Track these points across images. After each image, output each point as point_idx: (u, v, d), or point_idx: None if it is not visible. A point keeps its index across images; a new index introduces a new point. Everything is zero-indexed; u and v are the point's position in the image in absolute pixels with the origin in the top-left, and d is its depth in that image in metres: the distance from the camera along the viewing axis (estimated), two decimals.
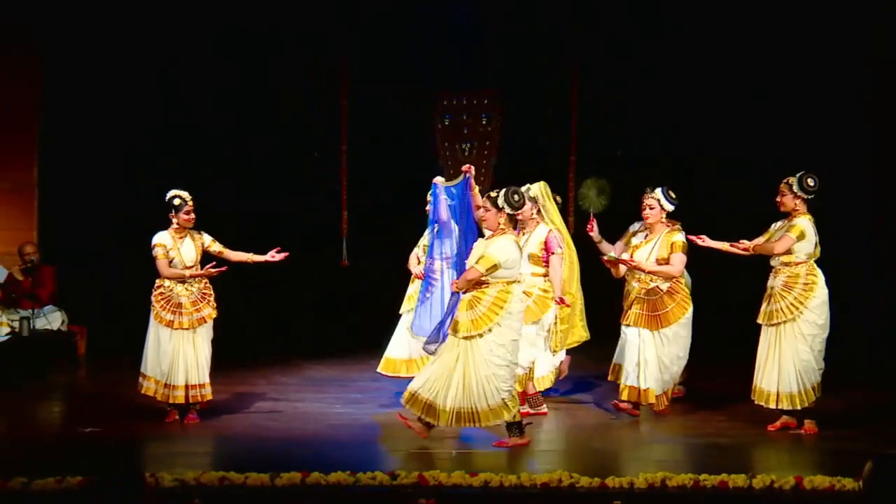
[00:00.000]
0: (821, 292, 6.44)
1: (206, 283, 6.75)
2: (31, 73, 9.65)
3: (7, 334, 8.51)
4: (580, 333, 7.21)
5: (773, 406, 6.45)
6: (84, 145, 9.62)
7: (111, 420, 6.72)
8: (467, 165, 6.43)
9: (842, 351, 8.59)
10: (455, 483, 5.13)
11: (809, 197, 6.51)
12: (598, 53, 9.80)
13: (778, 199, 6.54)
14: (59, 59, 9.60)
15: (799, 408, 6.40)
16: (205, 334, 6.70)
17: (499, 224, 5.99)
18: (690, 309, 6.74)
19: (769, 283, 6.54)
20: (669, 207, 6.76)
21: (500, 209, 5.97)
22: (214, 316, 6.72)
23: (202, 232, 6.80)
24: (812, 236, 6.46)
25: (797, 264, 6.44)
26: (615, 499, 5.00)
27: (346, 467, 5.25)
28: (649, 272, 6.73)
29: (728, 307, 8.13)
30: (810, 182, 6.47)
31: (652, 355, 6.71)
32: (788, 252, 6.43)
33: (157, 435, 6.54)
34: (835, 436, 6.36)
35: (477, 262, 5.91)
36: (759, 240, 6.56)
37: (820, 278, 6.46)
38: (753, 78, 9.59)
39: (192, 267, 6.69)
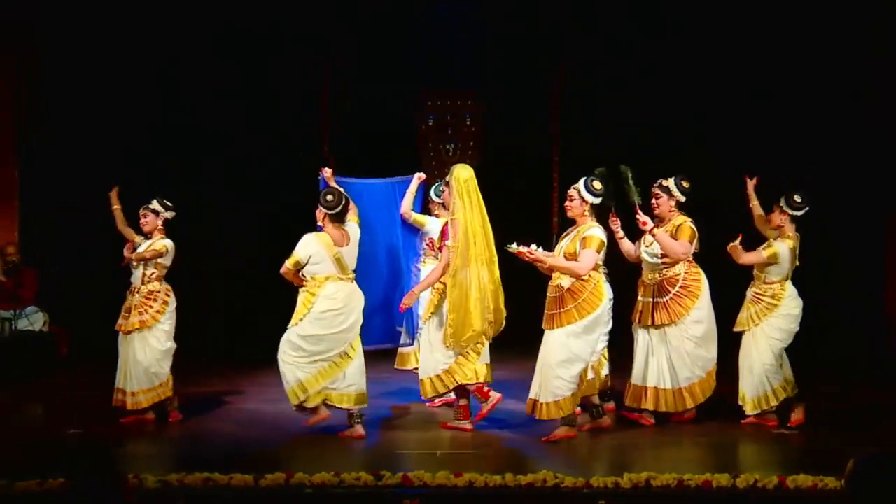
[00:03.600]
0: (786, 305, 6.59)
1: (150, 290, 6.74)
2: (9, 73, 9.59)
3: None
4: (474, 326, 6.36)
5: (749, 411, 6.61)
6: (65, 146, 9.58)
7: (93, 421, 6.69)
8: (322, 167, 6.76)
9: (832, 350, 8.70)
10: (440, 483, 5.13)
11: (796, 213, 6.62)
12: (584, 52, 9.83)
13: (768, 216, 6.76)
14: (43, 60, 9.55)
15: (766, 408, 6.59)
16: (141, 341, 6.68)
17: (319, 220, 6.36)
18: (595, 313, 6.10)
19: (748, 291, 6.77)
20: (591, 199, 6.21)
21: (319, 207, 6.35)
22: (151, 324, 6.68)
23: (167, 239, 6.82)
24: (786, 262, 6.59)
25: (768, 283, 6.64)
26: (600, 499, 5.02)
27: (331, 468, 5.25)
28: (549, 267, 6.19)
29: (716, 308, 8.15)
30: (797, 198, 6.60)
31: (540, 360, 6.20)
32: (760, 269, 6.64)
33: (140, 436, 6.52)
34: (818, 435, 6.40)
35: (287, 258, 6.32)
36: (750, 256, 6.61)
37: (787, 295, 6.62)
38: (752, 78, 9.65)
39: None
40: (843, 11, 9.20)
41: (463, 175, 6.42)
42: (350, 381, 6.31)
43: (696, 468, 5.30)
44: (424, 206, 7.50)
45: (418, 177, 7.30)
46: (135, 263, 6.78)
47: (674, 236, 6.51)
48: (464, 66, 9.96)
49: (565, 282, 6.16)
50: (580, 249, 6.14)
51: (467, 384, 6.43)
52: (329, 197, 6.33)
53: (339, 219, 6.34)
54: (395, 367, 7.51)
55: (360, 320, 6.40)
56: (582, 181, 6.27)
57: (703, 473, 5.18)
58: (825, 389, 7.63)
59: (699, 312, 6.57)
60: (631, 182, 6.49)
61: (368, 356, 6.53)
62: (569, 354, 6.09)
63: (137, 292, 6.77)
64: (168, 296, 6.81)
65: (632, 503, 5.08)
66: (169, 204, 6.89)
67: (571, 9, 9.76)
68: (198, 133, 9.66)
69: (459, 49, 9.89)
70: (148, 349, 6.70)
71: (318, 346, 6.27)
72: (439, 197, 7.30)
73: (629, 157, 7.81)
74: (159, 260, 6.76)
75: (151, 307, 6.73)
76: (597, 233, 6.18)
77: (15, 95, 9.59)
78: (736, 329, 6.74)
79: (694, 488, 5.11)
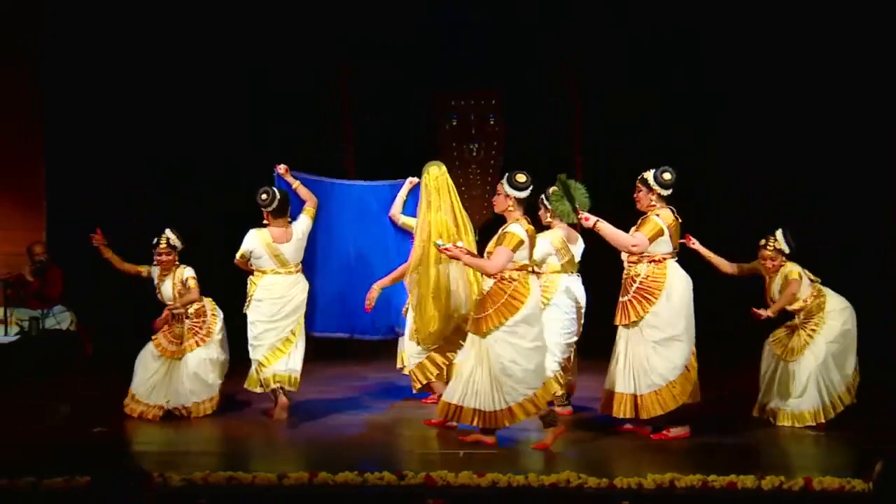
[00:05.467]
0: (832, 302, 6.65)
1: (196, 311, 6.97)
2: (36, 72, 9.68)
3: (17, 334, 8.54)
4: (432, 326, 6.41)
5: (808, 423, 6.55)
6: (92, 145, 9.67)
7: (120, 420, 6.77)
8: (278, 164, 6.99)
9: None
10: (463, 483, 5.13)
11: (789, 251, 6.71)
12: (606, 52, 9.82)
13: (760, 261, 6.72)
14: (66, 59, 9.64)
15: (827, 419, 6.54)
16: (196, 357, 6.89)
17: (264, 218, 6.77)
18: (515, 316, 5.80)
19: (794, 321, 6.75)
20: (514, 193, 5.88)
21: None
22: (207, 340, 6.92)
23: (184, 267, 7.00)
24: (807, 280, 6.66)
25: (803, 301, 6.67)
26: (623, 499, 5.00)
27: (354, 467, 5.26)
28: (466, 264, 5.99)
29: (736, 308, 8.09)
30: (789, 238, 6.66)
31: (469, 367, 5.95)
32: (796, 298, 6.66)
33: (165, 434, 6.57)
34: (845, 437, 6.35)
35: None
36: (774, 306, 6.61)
37: (827, 294, 6.68)
38: (757, 79, 9.62)
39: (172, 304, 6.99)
40: (848, 13, 9.16)
41: (434, 172, 6.41)
42: (293, 364, 6.74)
43: (721, 469, 5.25)
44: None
45: (410, 181, 7.26)
46: (165, 295, 7.01)
47: (638, 229, 6.20)
48: (487, 65, 9.95)
49: (486, 284, 5.91)
50: (495, 247, 5.85)
51: (438, 382, 6.46)
52: (264, 196, 6.71)
53: (278, 214, 6.72)
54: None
55: (301, 309, 6.80)
56: (506, 176, 5.96)
57: (728, 474, 5.15)
58: (855, 391, 7.57)
59: (655, 318, 6.10)
60: (572, 191, 6.29)
61: (377, 354, 6.53)
62: (502, 362, 5.82)
63: (186, 318, 6.97)
64: (215, 308, 7.05)
65: None
66: (182, 237, 7.05)
67: (595, 7, 9.75)
68: (205, 133, 9.68)
69: (482, 48, 9.87)
70: (206, 362, 6.91)
71: (257, 330, 6.73)
72: None
73: (644, 157, 7.78)
74: None
75: (204, 323, 6.96)
76: (514, 230, 5.82)
77: (41, 96, 9.69)
78: (791, 359, 6.62)
79: (719, 489, 5.08)
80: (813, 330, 6.61)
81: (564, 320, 6.79)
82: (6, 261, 9.27)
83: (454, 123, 10.28)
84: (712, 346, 7.17)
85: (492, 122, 10.27)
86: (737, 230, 7.08)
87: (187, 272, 6.98)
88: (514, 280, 5.83)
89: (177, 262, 7.04)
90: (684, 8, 9.62)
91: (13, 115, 9.67)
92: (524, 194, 5.92)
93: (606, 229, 6.13)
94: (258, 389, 6.84)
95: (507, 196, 5.90)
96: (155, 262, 7.01)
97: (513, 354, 5.84)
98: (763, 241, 6.66)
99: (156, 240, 6.99)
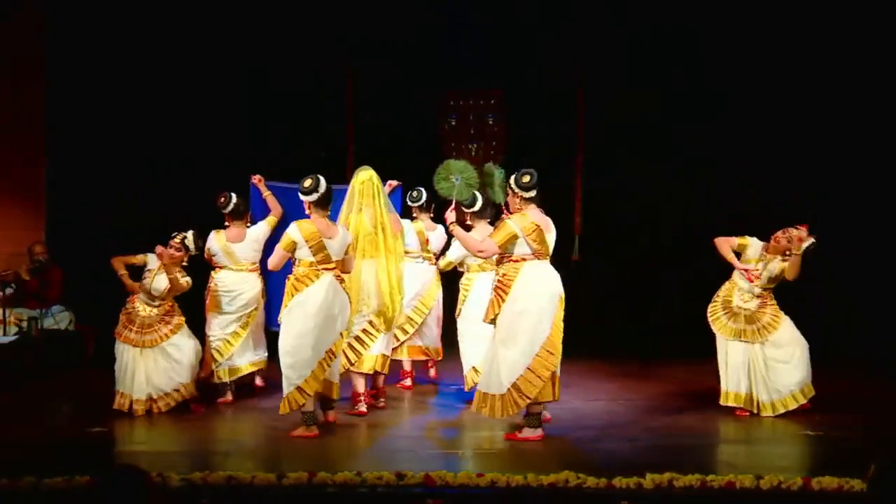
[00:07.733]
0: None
1: (168, 307, 7.07)
2: (37, 72, 9.69)
3: (15, 334, 8.54)
4: None
5: (781, 410, 6.79)
6: (93, 145, 9.67)
7: (118, 420, 6.76)
8: (255, 176, 7.53)
9: (854, 351, 8.60)
10: (462, 483, 5.13)
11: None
12: (606, 52, 9.83)
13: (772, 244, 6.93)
14: (67, 59, 9.65)
15: (805, 401, 6.83)
16: (160, 352, 6.98)
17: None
18: (295, 299, 6.24)
19: (744, 305, 6.92)
20: (304, 198, 6.34)
21: None
22: (172, 335, 7.00)
23: (186, 276, 7.08)
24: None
25: (766, 289, 6.94)
26: (622, 499, 5.00)
27: (353, 467, 5.27)
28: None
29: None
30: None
31: None
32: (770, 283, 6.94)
33: (164, 434, 6.57)
34: (843, 436, 6.35)
35: None
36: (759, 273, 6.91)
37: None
38: (757, 79, 9.64)
39: (154, 298, 7.07)
40: (853, 15, 9.18)
41: (361, 177, 6.71)
42: (250, 356, 7.39)
43: (720, 469, 5.26)
44: (406, 211, 7.64)
45: (390, 184, 7.35)
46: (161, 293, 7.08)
47: (492, 233, 6.22)
48: (486, 65, 9.96)
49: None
50: None
51: (354, 370, 6.87)
52: (221, 199, 7.34)
53: (234, 217, 7.34)
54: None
55: (252, 303, 7.34)
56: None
57: (727, 474, 5.16)
58: (848, 389, 7.57)
59: (501, 317, 6.06)
60: (497, 182, 6.55)
61: None
62: (280, 345, 6.29)
63: (154, 310, 7.06)
64: (180, 309, 7.18)
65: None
66: (201, 245, 7.22)
67: (594, 7, 9.76)
68: (207, 132, 9.68)
69: (481, 48, 9.88)
70: (184, 347, 7.01)
71: (211, 319, 7.33)
72: (414, 202, 7.64)
73: (643, 157, 7.83)
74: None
75: (172, 320, 7.07)
76: (289, 230, 6.34)
77: (42, 96, 9.70)
78: (758, 340, 6.87)
79: (717, 489, 5.08)
80: (776, 312, 6.89)
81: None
82: (7, 261, 9.29)
83: (453, 123, 10.30)
84: (707, 346, 7.18)
85: (490, 122, 10.28)
86: (736, 230, 7.09)
87: (186, 279, 7.08)
88: (296, 275, 6.32)
89: (184, 264, 7.11)
90: (684, 8, 9.64)
91: (14, 115, 9.68)
92: (311, 198, 6.30)
93: (458, 233, 6.33)
94: (214, 367, 7.31)
95: (303, 200, 6.35)
96: (158, 253, 6.99)
97: (283, 338, 6.27)
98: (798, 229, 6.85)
99: (176, 233, 7.06)
